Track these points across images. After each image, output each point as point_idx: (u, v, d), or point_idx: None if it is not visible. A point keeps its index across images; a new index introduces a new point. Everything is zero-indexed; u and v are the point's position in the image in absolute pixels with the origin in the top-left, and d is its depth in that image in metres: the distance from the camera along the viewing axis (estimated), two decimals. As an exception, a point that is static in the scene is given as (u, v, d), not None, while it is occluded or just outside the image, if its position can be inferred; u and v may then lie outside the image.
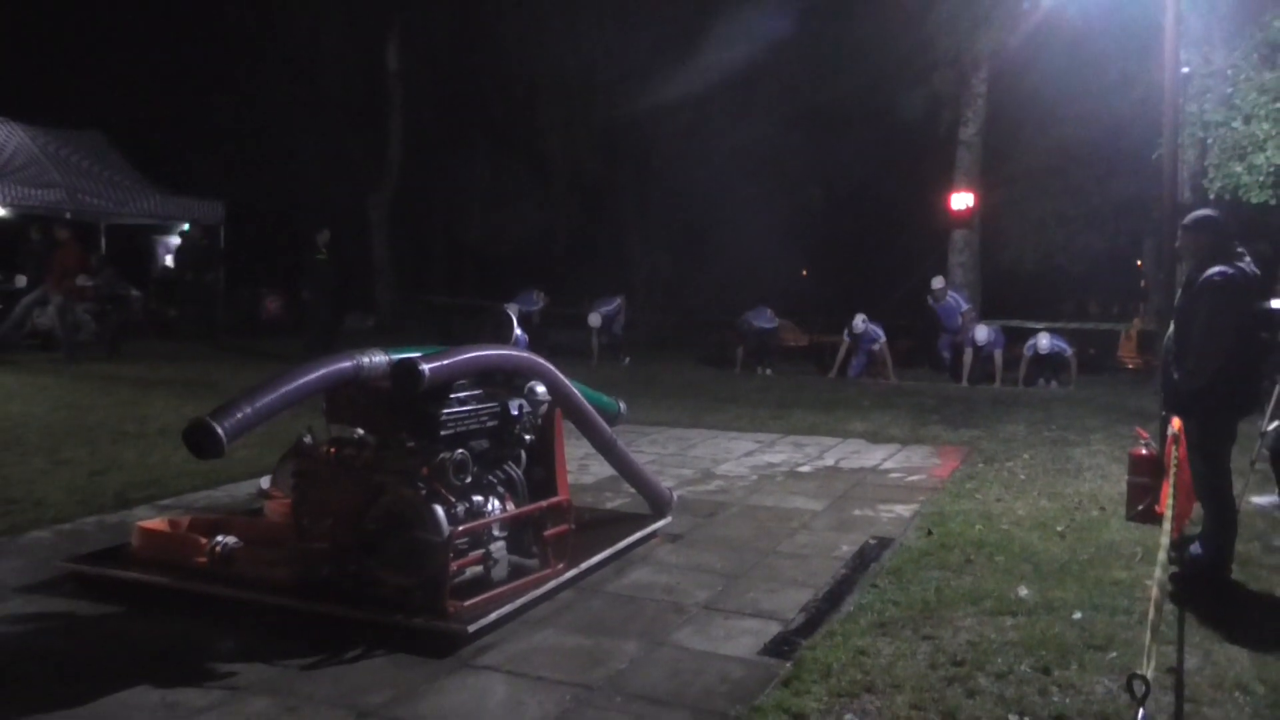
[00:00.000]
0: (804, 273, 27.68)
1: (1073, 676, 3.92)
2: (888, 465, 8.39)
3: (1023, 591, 4.93)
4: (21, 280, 16.62)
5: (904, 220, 21.63)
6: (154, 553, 5.02)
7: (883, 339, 15.36)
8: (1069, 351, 14.54)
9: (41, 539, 5.75)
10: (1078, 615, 4.59)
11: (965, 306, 15.65)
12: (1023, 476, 7.82)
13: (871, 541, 5.95)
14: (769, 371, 15.92)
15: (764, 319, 16.32)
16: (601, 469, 7.10)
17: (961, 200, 17.97)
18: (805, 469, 8.22)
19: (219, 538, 4.82)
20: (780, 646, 4.28)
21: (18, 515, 6.14)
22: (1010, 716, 3.58)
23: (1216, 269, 5.08)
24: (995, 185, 18.81)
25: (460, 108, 23.99)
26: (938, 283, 15.77)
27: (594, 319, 17.10)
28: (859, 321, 15.32)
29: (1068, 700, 3.72)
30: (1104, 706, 3.66)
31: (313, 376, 4.47)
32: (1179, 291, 5.43)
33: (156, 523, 5.38)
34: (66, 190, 16.93)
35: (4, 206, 16.64)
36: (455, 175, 24.63)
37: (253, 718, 3.56)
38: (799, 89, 20.94)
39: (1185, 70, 10.63)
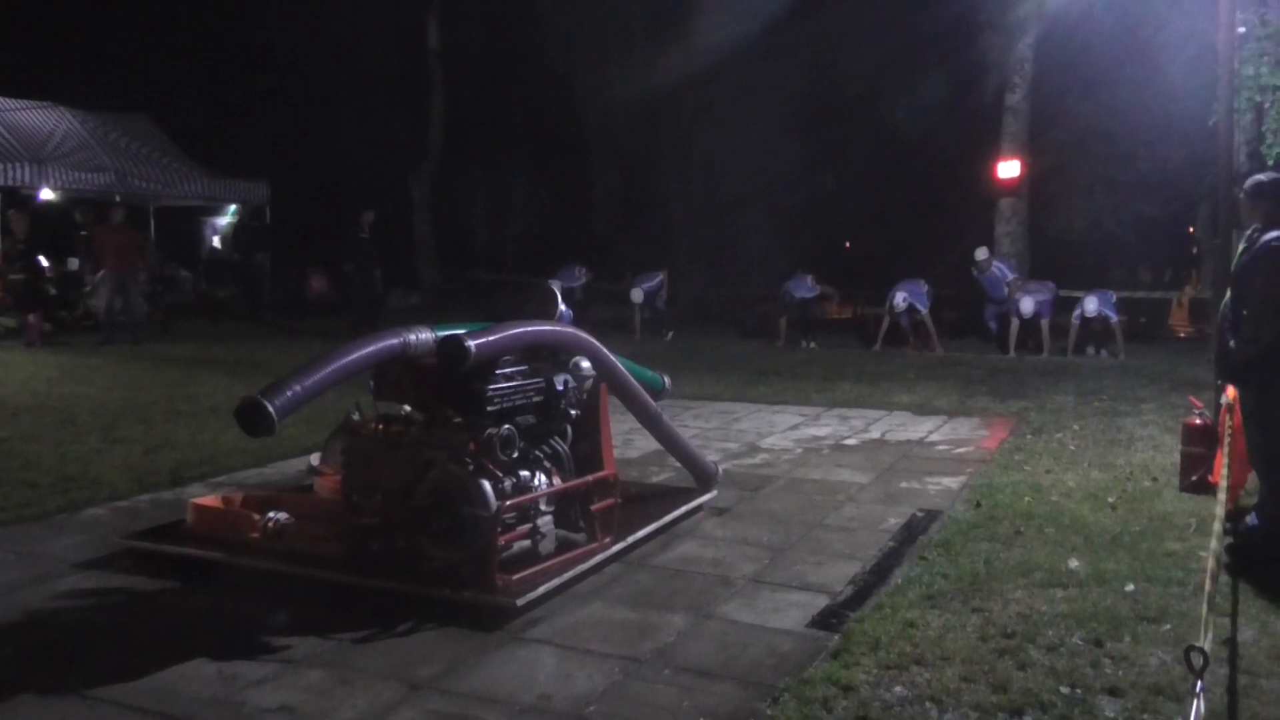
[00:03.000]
0: (846, 245, 27.43)
1: (1125, 649, 3.88)
2: (934, 437, 8.32)
3: (1073, 563, 4.87)
4: (74, 263, 16.92)
5: (950, 189, 21.34)
6: (208, 529, 5.11)
7: (926, 309, 15.15)
8: (1114, 318, 14.21)
9: (98, 516, 5.88)
10: (1130, 587, 4.53)
11: (1011, 276, 15.39)
12: (1072, 447, 7.72)
13: (919, 514, 5.91)
14: (813, 344, 15.82)
15: (804, 288, 16.13)
16: (646, 443, 7.12)
17: (1009, 168, 17.69)
18: (851, 442, 8.18)
19: (271, 514, 4.89)
20: (828, 619, 4.28)
21: (75, 493, 6.28)
22: (1062, 689, 3.55)
23: (1275, 234, 4.97)
24: (1042, 152, 18.48)
25: (500, 84, 23.99)
26: (981, 254, 15.45)
27: (636, 294, 17.09)
28: (899, 299, 15.06)
29: (1120, 673, 3.68)
30: (1158, 679, 3.61)
31: (360, 354, 4.51)
32: (1236, 257, 5.32)
33: (210, 499, 5.47)
34: (116, 174, 17.21)
35: (54, 190, 16.95)
36: (496, 152, 24.67)
37: (308, 689, 3.62)
38: (841, 56, 20.67)
39: (1241, 31, 10.34)
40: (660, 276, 17.57)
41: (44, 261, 15.84)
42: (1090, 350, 14.32)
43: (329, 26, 23.08)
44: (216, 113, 23.34)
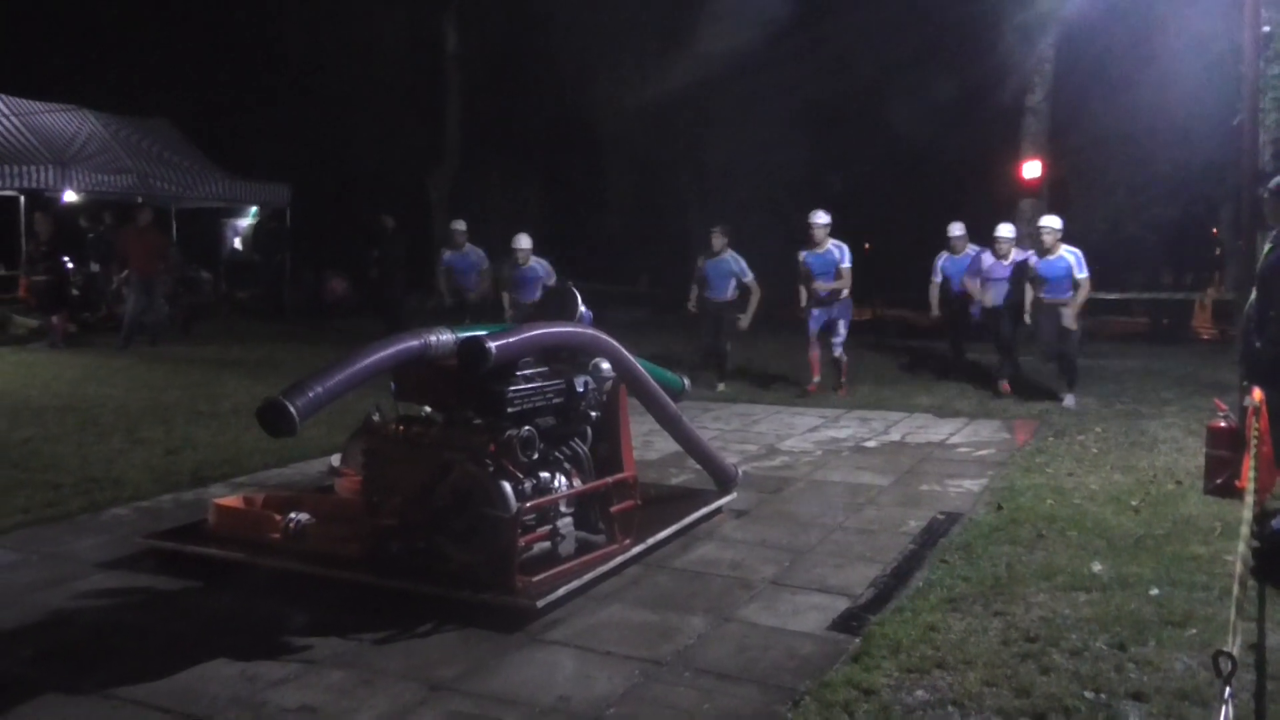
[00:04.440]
0: (866, 247, 27.35)
1: (1150, 653, 3.84)
2: (955, 440, 8.28)
3: (1097, 567, 4.84)
4: (94, 266, 17.04)
5: (970, 190, 21.24)
6: (229, 529, 5.13)
7: None
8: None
9: (121, 516, 5.91)
10: (1154, 591, 4.49)
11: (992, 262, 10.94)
12: (1095, 450, 7.67)
13: (940, 517, 5.88)
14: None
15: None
16: (666, 445, 7.11)
17: (1031, 168, 17.58)
18: (871, 444, 8.15)
19: (292, 514, 4.91)
20: (849, 622, 4.26)
21: (98, 493, 6.31)
22: (1086, 693, 3.52)
23: (1300, 234, 4.92)
24: (1063, 153, 18.37)
25: (516, 87, 24.02)
26: (956, 229, 11.61)
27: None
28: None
29: (1145, 678, 3.65)
30: (1183, 684, 3.58)
31: (381, 355, 4.52)
32: (1261, 258, 5.27)
33: (232, 500, 5.49)
34: (138, 175, 17.33)
35: (77, 192, 17.08)
36: (512, 155, 24.70)
37: (330, 689, 3.63)
38: (858, 57, 20.61)
39: (1266, 30, 10.25)
40: None
41: (68, 263, 15.95)
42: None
43: (348, 30, 23.17)
44: (237, 116, 23.45)
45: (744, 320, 10.97)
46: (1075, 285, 9.79)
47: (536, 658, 3.92)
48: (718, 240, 10.89)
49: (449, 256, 12.36)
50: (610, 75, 22.78)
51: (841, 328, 10.62)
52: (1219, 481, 6.14)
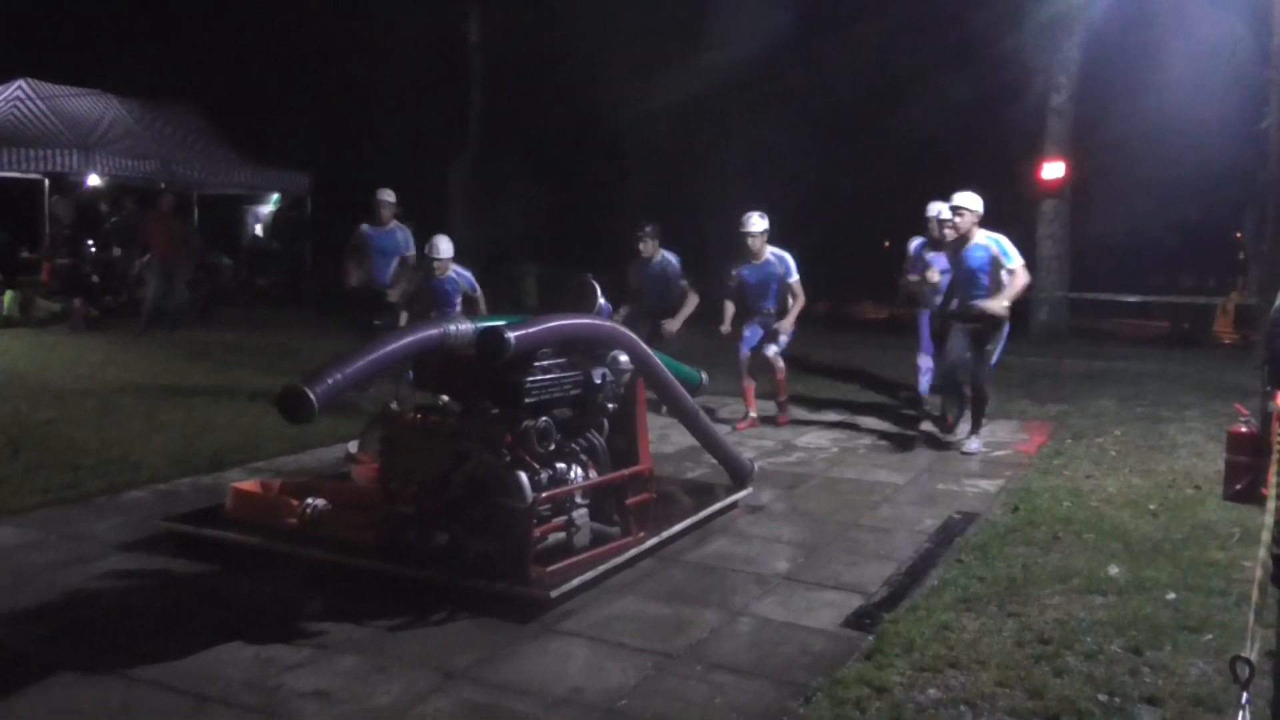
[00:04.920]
0: (885, 245, 27.26)
1: (1165, 658, 3.82)
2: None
3: (1113, 570, 4.81)
4: (116, 251, 17.14)
5: (990, 190, 21.14)
6: (247, 513, 5.16)
7: None
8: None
9: (140, 499, 5.95)
10: (1171, 596, 4.46)
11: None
12: (1113, 453, 7.62)
13: (955, 516, 5.86)
14: None
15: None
16: (682, 439, 7.10)
17: (1053, 169, 17.48)
18: (887, 442, 8.12)
19: (309, 500, 4.93)
20: (862, 619, 4.25)
21: (117, 476, 6.36)
22: (1100, 696, 3.51)
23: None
24: (1085, 155, 18.25)
25: (537, 80, 24.02)
26: (935, 209, 9.08)
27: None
28: None
29: (1160, 682, 3.63)
30: (1198, 689, 3.56)
31: (401, 344, 4.54)
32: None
33: (249, 484, 5.53)
34: (161, 161, 17.41)
35: (101, 177, 17.18)
36: (532, 146, 24.71)
37: (344, 675, 3.65)
38: (881, 58, 20.53)
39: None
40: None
41: (91, 247, 16.05)
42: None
43: (371, 18, 23.21)
44: (260, 103, 23.55)
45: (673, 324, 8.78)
46: (993, 282, 7.49)
47: (550, 648, 3.93)
48: (649, 245, 9.04)
49: (367, 230, 9.72)
50: (632, 72, 22.76)
51: (783, 337, 8.60)
52: (1239, 487, 6.10)
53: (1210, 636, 4.01)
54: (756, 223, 8.58)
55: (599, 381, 5.04)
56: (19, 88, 17.06)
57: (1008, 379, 11.74)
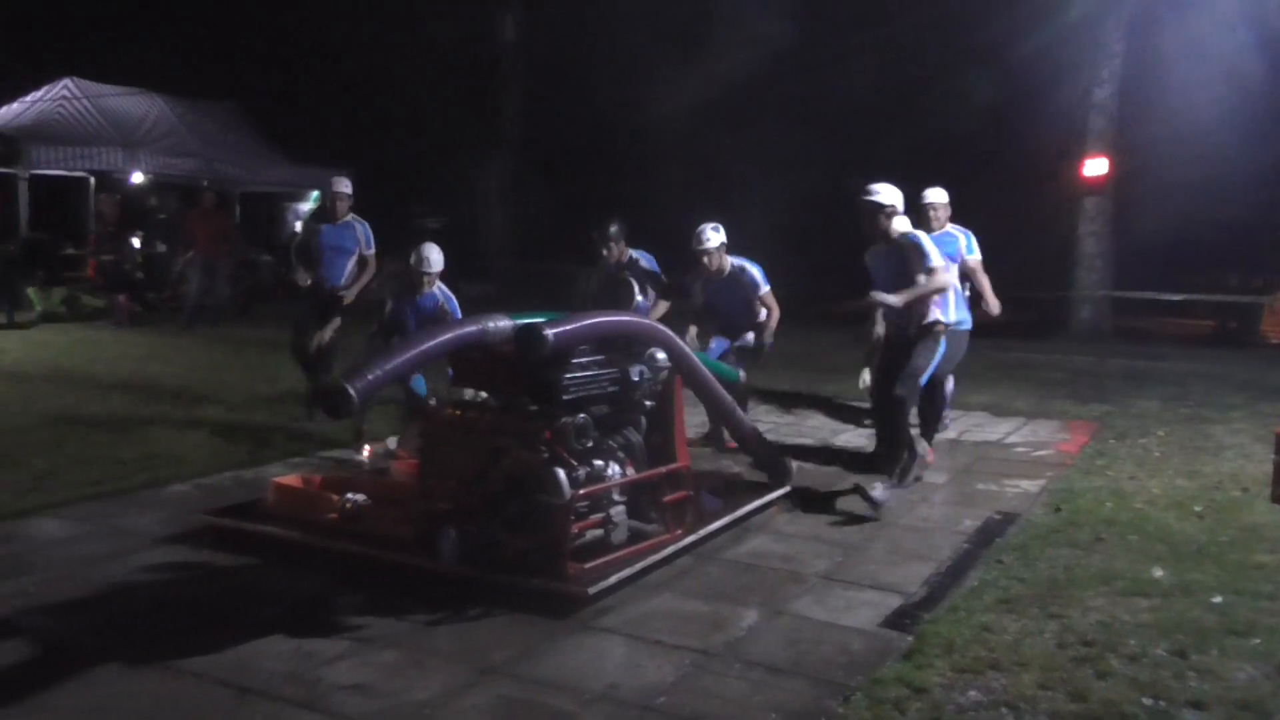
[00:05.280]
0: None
1: (1211, 662, 3.76)
2: (1012, 439, 8.16)
3: (1157, 573, 4.74)
4: (160, 247, 17.37)
5: (1029, 188, 20.90)
6: (287, 508, 5.21)
7: None
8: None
9: (182, 492, 6.02)
10: (1217, 599, 4.39)
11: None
12: (1157, 454, 7.51)
13: (996, 517, 5.80)
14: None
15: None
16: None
17: (1096, 165, 17.23)
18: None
19: (349, 495, 4.97)
20: (901, 619, 4.22)
21: (159, 469, 6.44)
22: (1144, 700, 3.45)
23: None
24: (1129, 151, 17.98)
25: (570, 78, 24.06)
26: (934, 196, 7.66)
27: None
28: None
29: (1206, 686, 3.57)
30: (1245, 694, 3.49)
31: (439, 340, 4.56)
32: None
33: (290, 479, 5.58)
34: (203, 159, 17.64)
35: (145, 174, 17.43)
36: (569, 143, 24.75)
37: (382, 669, 3.67)
38: (917, 54, 20.36)
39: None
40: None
41: (135, 243, 16.28)
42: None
43: (407, 16, 23.34)
44: (299, 102, 23.76)
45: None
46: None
47: (587, 644, 3.93)
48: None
49: (316, 225, 8.59)
50: (663, 71, 22.73)
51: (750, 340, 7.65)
52: (1287, 489, 5.99)
53: (1258, 641, 3.94)
54: (711, 236, 7.33)
55: (636, 378, 5.03)
56: (65, 87, 17.34)
57: (1049, 378, 11.64)
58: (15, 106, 16.92)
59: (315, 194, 21.31)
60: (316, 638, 3.92)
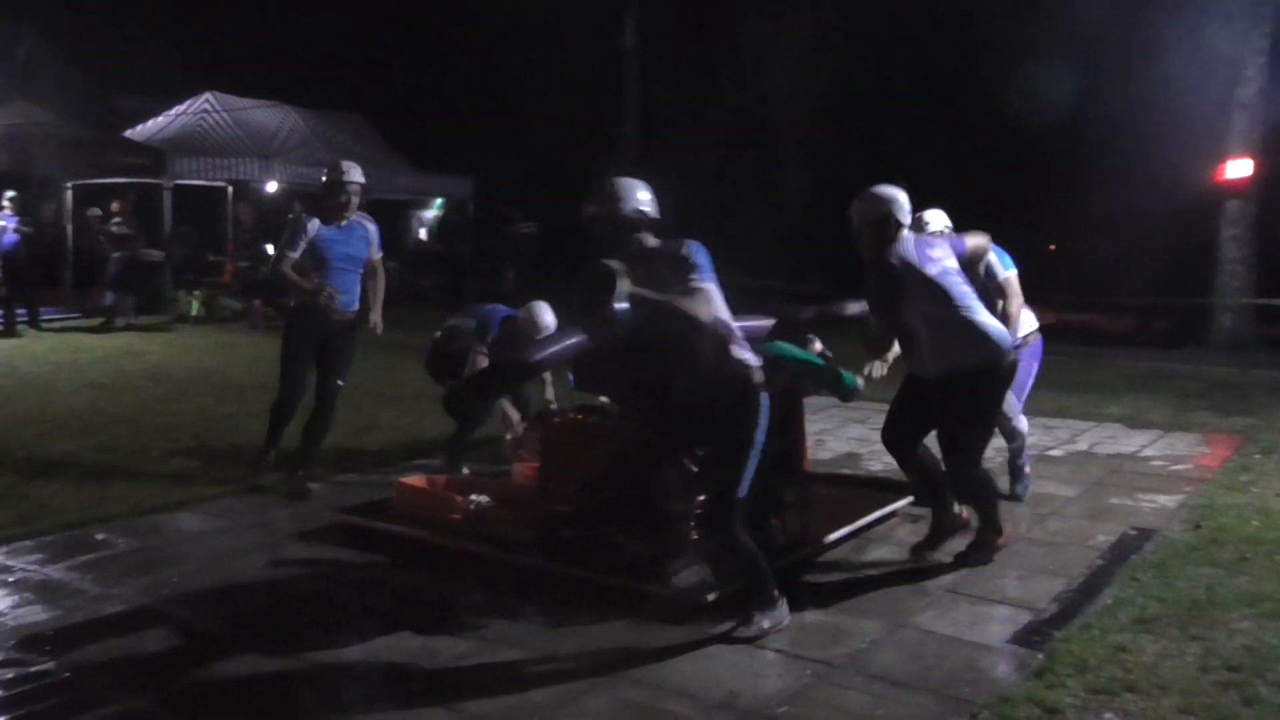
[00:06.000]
0: (1051, 249, 26.21)
1: (1369, 692, 3.54)
2: (1148, 452, 7.83)
3: (1309, 596, 4.48)
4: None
5: (1167, 189, 20.08)
6: (413, 508, 5.33)
7: None
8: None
9: (314, 490, 6.21)
10: (1375, 626, 4.13)
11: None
12: (1307, 470, 7.11)
13: (1131, 532, 5.57)
14: None
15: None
16: (838, 444, 7.00)
17: (1239, 167, 16.42)
18: (1056, 453, 7.80)
19: (473, 496, 5.06)
20: (1030, 636, 4.08)
21: (292, 468, 6.65)
22: (1296, 730, 3.27)
23: None
24: (1275, 151, 17.08)
25: (691, 82, 24.10)
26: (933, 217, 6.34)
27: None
28: None
29: (1364, 718, 3.36)
30: None
31: (569, 344, 4.62)
32: None
33: (416, 480, 5.71)
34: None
35: (279, 184, 18.12)
36: (687, 150, 24.79)
37: (505, 668, 3.73)
38: (1053, 54, 19.75)
39: None
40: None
41: (270, 250, 16.91)
42: None
43: (528, 24, 23.72)
44: (424, 111, 24.36)
45: None
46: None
47: (705, 651, 3.91)
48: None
49: (319, 228, 6.28)
50: (788, 70, 22.60)
51: None
52: None
53: None
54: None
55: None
56: (206, 100, 18.16)
57: (1188, 389, 11.13)
58: (160, 120, 17.77)
59: (439, 201, 21.84)
60: (441, 635, 4.01)
